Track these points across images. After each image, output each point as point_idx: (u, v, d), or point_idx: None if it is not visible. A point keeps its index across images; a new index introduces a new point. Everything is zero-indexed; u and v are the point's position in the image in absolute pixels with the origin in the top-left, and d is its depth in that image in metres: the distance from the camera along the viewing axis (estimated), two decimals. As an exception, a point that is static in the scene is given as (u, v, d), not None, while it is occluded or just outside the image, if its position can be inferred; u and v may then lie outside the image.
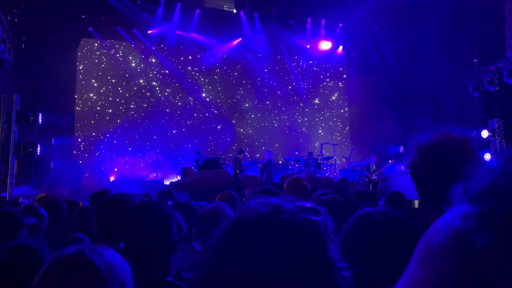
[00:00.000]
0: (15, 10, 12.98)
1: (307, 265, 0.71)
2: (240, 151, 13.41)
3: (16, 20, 13.01)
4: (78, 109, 16.32)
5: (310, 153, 14.86)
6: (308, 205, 0.80)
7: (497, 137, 13.13)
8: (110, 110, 16.76)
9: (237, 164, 12.69)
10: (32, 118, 12.64)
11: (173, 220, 1.87)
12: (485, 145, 13.25)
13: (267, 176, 13.29)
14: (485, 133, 13.27)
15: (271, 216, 0.75)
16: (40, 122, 12.94)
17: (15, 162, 12.48)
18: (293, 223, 0.74)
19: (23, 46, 13.93)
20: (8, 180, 11.73)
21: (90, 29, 16.08)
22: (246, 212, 0.78)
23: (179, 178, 14.65)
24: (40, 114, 12.86)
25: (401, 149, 17.31)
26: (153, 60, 17.58)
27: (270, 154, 13.75)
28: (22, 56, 13.53)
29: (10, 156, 11.90)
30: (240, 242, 0.74)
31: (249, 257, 0.71)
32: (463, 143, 1.43)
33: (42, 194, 5.33)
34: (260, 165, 13.78)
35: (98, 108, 16.63)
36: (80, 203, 5.76)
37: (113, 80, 16.99)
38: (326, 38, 18.55)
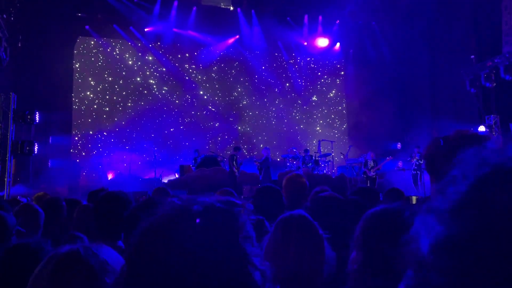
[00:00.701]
0: (11, 9, 12.92)
1: (217, 258, 0.71)
2: (237, 148, 13.40)
3: (12, 18, 12.94)
4: (75, 108, 16.27)
5: (306, 150, 14.88)
6: (232, 199, 0.80)
7: (494, 133, 13.18)
8: (107, 108, 16.72)
9: (233, 162, 12.66)
10: (29, 116, 12.60)
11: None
12: (482, 141, 13.27)
13: (265, 173, 13.29)
14: (482, 129, 13.31)
15: (181, 210, 0.76)
16: (37, 121, 12.90)
17: (13, 161, 12.45)
18: (204, 216, 0.74)
19: (19, 45, 13.87)
20: (5, 179, 11.70)
21: (87, 27, 16.01)
22: (162, 209, 0.78)
23: (177, 176, 14.66)
24: (37, 112, 12.82)
25: (399, 145, 17.36)
26: (150, 58, 17.53)
27: (267, 151, 13.74)
28: (18, 54, 13.48)
29: (8, 155, 11.87)
30: (151, 238, 0.74)
31: (160, 253, 0.71)
32: (480, 139, 1.45)
33: (40, 193, 5.32)
34: (257, 163, 13.79)
35: (95, 106, 16.59)
36: (79, 202, 5.75)
37: (110, 78, 16.94)
38: (324, 35, 18.53)
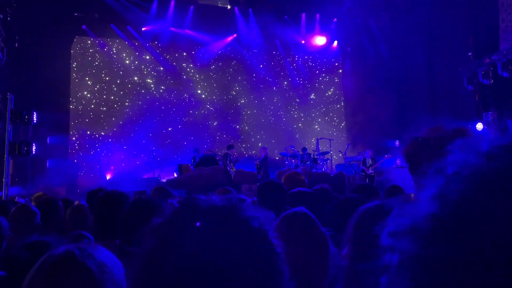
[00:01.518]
0: (7, 9, 12.87)
1: (252, 255, 0.70)
2: (230, 146, 13.47)
3: (9, 18, 12.89)
4: (72, 108, 16.23)
5: (304, 149, 14.90)
6: (242, 197, 0.80)
7: (492, 130, 13.19)
8: (104, 108, 16.68)
9: (227, 160, 12.71)
10: (26, 117, 12.54)
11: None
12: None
13: (264, 172, 13.36)
14: (480, 126, 13.33)
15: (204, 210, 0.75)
16: (35, 121, 12.84)
17: (11, 161, 12.42)
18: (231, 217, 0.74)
19: (16, 45, 13.81)
20: (3, 180, 11.67)
21: (84, 26, 15.97)
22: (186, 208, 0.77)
23: (175, 175, 14.65)
24: (34, 113, 12.76)
25: (397, 143, 17.36)
26: (147, 57, 17.50)
27: (265, 151, 13.84)
28: (15, 54, 13.42)
29: (5, 155, 11.83)
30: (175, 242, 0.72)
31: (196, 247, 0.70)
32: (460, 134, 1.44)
33: (39, 193, 5.32)
34: (256, 162, 13.85)
35: (92, 106, 16.55)
36: (76, 202, 5.75)
37: (107, 78, 16.90)
38: (321, 33, 18.54)
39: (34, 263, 1.12)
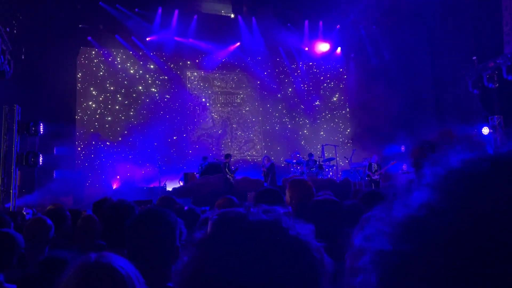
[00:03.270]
0: (14, 22, 13.04)
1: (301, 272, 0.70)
2: (227, 156, 13.77)
3: (15, 31, 13.06)
4: (78, 118, 16.34)
5: (311, 155, 14.90)
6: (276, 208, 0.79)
7: (498, 134, 13.12)
8: (109, 118, 16.76)
9: (226, 169, 12.96)
10: (33, 128, 12.64)
11: (176, 227, 1.88)
12: (486, 142, 13.23)
13: (271, 180, 13.38)
14: (486, 130, 13.26)
15: (271, 224, 0.74)
16: (41, 132, 12.94)
17: (18, 172, 12.50)
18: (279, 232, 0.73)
19: (23, 57, 13.97)
20: (11, 191, 11.74)
21: (89, 38, 16.15)
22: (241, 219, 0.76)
23: (181, 183, 14.66)
24: (41, 124, 12.87)
25: (403, 148, 17.28)
26: (152, 66, 17.62)
27: (269, 158, 14.10)
28: (22, 67, 13.57)
29: (13, 166, 11.92)
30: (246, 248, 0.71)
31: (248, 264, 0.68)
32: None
33: (51, 206, 5.32)
34: (264, 169, 13.91)
35: (97, 116, 16.63)
36: (83, 211, 5.77)
37: (111, 88, 17.01)
38: (324, 39, 18.60)
39: (47, 280, 1.15)
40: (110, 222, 2.43)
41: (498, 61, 12.68)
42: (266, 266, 0.67)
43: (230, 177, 13.01)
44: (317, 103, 19.65)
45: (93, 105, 16.69)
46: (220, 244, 0.72)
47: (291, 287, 0.68)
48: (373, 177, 13.12)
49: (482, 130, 13.28)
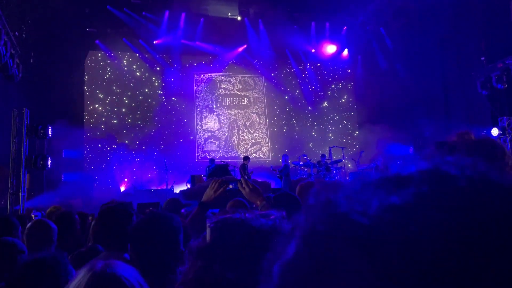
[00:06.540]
0: (22, 26, 13.18)
1: None
2: (246, 158, 13.62)
3: (24, 35, 13.20)
4: (85, 121, 16.44)
5: (323, 156, 14.82)
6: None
7: (507, 135, 12.98)
8: (115, 121, 16.84)
9: (244, 171, 12.83)
10: (42, 131, 12.76)
11: (180, 231, 1.87)
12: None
13: (285, 181, 13.24)
14: (495, 131, 13.11)
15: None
16: (50, 135, 13.06)
17: (27, 175, 12.61)
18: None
19: (31, 61, 14.12)
20: (20, 194, 11.85)
21: (97, 41, 16.28)
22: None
23: (188, 186, 14.69)
24: (50, 127, 12.99)
25: (411, 149, 17.16)
26: (158, 69, 17.70)
27: (286, 158, 13.80)
28: (31, 70, 13.71)
29: (22, 169, 12.03)
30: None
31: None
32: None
33: (52, 208, 5.36)
34: (275, 171, 13.83)
35: (103, 119, 16.70)
36: (91, 215, 5.80)
37: (118, 90, 17.09)
38: (331, 41, 18.55)
39: (31, 281, 1.14)
40: (109, 225, 2.42)
41: (507, 62, 12.56)
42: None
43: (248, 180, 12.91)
44: (325, 104, 19.59)
45: (100, 108, 16.79)
46: (223, 251, 0.71)
47: None
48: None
49: (491, 131, 13.15)
